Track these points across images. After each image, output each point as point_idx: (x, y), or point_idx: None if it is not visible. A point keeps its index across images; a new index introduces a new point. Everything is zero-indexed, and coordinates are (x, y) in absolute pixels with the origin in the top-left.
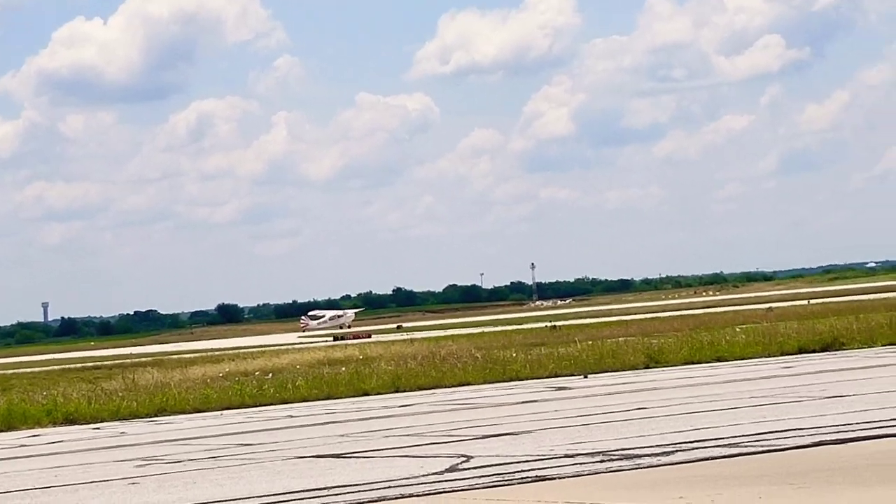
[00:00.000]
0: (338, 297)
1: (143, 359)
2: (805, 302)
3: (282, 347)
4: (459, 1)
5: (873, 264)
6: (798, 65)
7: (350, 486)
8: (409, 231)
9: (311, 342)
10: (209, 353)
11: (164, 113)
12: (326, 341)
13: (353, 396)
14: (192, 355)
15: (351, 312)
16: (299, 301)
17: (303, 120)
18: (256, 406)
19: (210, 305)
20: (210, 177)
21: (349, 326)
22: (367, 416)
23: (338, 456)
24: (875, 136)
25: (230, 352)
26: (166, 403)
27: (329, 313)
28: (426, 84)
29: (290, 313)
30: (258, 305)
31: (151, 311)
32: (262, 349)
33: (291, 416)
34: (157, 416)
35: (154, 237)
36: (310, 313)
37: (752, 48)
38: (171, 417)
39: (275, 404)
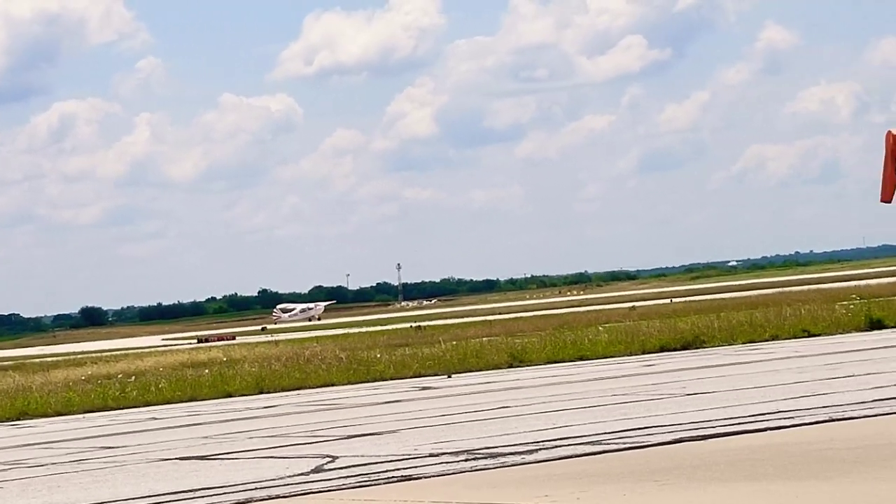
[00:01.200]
0: (203, 298)
1: (5, 362)
2: (667, 301)
3: (145, 350)
4: (324, 1)
5: (734, 263)
6: (659, 65)
7: (215, 487)
8: (273, 232)
9: (174, 345)
10: (72, 357)
11: (25, 114)
12: (190, 343)
13: (217, 398)
14: (54, 359)
15: (321, 305)
16: (164, 303)
17: (166, 121)
18: (119, 409)
19: (73, 309)
20: (72, 178)
21: (318, 318)
22: (231, 417)
23: (203, 458)
24: (734, 136)
25: (93, 355)
26: (28, 407)
27: (300, 306)
28: (289, 85)
29: (154, 316)
30: (122, 308)
31: (13, 314)
32: (126, 352)
33: (155, 419)
34: (18, 419)
35: (16, 240)
36: (280, 306)
37: (614, 49)
38: (34, 421)
39: (138, 407)
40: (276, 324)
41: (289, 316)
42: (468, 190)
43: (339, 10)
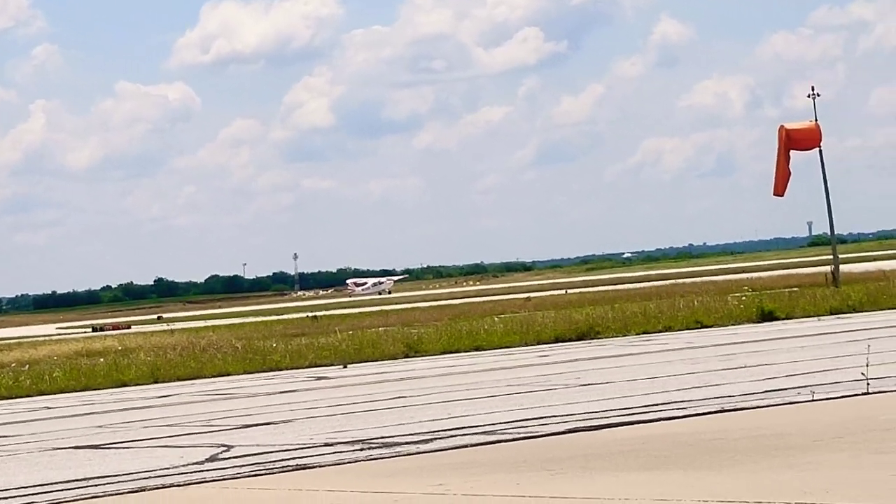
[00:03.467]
0: (98, 287)
1: None
2: (562, 291)
3: (39, 339)
4: None
5: (628, 255)
6: (556, 57)
7: (110, 476)
8: (170, 221)
9: (68, 334)
10: None
11: None
12: (85, 332)
13: (112, 388)
14: None
15: (391, 279)
16: (59, 292)
17: (62, 109)
18: (12, 398)
19: None
20: None
21: (389, 292)
22: (126, 406)
23: (97, 447)
24: (629, 129)
25: None
26: None
27: (371, 280)
28: (187, 73)
29: (48, 304)
30: (16, 296)
31: None
32: (20, 340)
33: (48, 408)
34: None
35: None
36: (352, 280)
37: (511, 41)
38: None
39: (32, 396)
40: (350, 297)
41: (361, 290)
42: (366, 180)
43: None
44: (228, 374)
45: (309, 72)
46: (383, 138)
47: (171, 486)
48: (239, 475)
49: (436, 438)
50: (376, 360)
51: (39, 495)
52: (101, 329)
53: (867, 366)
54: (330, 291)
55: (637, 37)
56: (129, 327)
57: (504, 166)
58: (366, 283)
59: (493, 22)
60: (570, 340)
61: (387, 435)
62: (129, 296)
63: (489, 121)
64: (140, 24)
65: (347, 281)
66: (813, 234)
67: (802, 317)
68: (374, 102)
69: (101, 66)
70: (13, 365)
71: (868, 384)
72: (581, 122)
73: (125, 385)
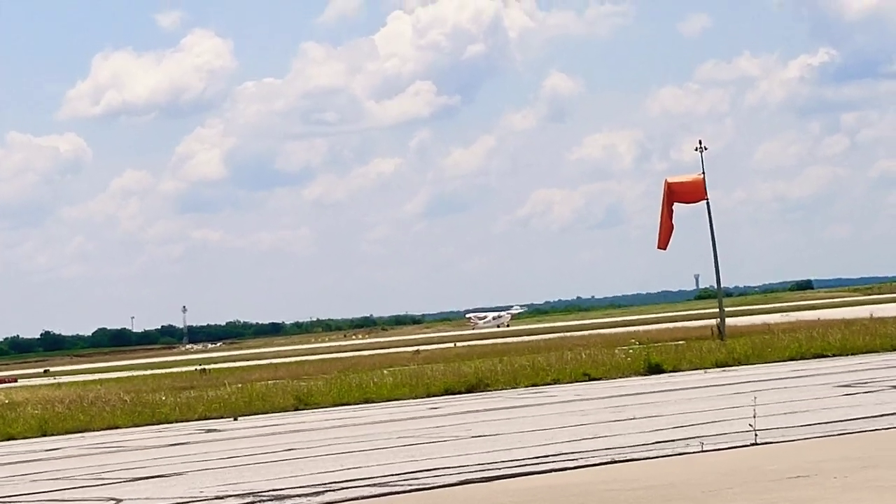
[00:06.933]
0: None
1: None
2: (451, 344)
3: None
4: (114, 41)
5: (518, 308)
6: (448, 110)
7: None
8: (58, 273)
9: None
10: None
11: None
12: None
13: None
14: None
15: (508, 314)
16: None
17: None
18: None
19: None
20: None
21: (507, 325)
22: (13, 460)
23: None
24: (519, 181)
25: None
26: None
27: (492, 314)
28: (78, 124)
29: None
30: None
31: None
32: None
33: None
34: None
35: None
36: (475, 314)
37: (403, 94)
38: None
39: None
40: (473, 329)
41: (483, 323)
42: (256, 232)
43: (130, 49)
44: (117, 427)
45: (201, 123)
46: (274, 190)
47: None
48: None
49: (327, 491)
50: (266, 413)
51: None
52: None
53: (754, 417)
54: (219, 345)
55: (528, 91)
56: (15, 381)
57: (394, 218)
58: (486, 318)
59: (385, 75)
60: (459, 393)
61: (277, 487)
62: (15, 349)
63: (380, 173)
64: (31, 74)
65: (468, 315)
66: (700, 286)
67: (689, 369)
68: (266, 154)
69: None
70: None
71: (756, 435)
72: (471, 173)
73: (13, 439)
